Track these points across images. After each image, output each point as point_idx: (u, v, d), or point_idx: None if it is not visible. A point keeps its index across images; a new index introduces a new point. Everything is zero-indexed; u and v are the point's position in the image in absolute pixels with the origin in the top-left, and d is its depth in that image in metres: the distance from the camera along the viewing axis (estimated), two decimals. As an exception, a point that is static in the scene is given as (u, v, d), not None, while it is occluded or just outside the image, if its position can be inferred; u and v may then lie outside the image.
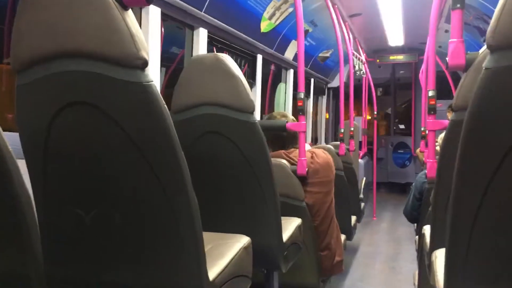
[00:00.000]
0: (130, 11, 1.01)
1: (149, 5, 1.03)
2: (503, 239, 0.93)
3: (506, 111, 0.84)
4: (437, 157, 2.35)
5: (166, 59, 3.54)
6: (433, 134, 2.31)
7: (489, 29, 0.83)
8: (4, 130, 1.03)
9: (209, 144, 1.67)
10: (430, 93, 2.34)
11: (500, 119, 0.85)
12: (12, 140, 1.14)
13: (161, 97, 1.02)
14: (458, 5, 1.61)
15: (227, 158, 1.66)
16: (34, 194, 1.15)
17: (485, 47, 1.32)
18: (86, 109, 1.04)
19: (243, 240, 1.43)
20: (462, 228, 0.95)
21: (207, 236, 1.21)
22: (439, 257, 1.27)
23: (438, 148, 2.91)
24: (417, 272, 2.70)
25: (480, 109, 0.86)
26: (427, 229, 1.75)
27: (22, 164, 1.15)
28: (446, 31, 4.89)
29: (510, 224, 0.91)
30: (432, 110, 2.30)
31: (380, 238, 5.27)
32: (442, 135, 3.05)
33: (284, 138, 2.41)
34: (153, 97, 1.01)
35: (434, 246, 1.49)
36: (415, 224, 3.52)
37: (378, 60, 7.10)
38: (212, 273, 1.20)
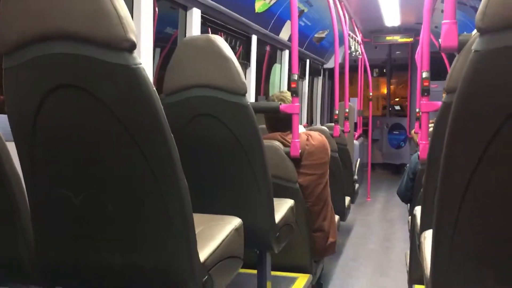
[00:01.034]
0: (118, -7, 0.99)
1: None
2: (489, 220, 0.94)
3: (494, 93, 0.84)
4: (430, 138, 2.37)
5: (161, 40, 3.51)
6: (426, 115, 2.32)
7: (479, 11, 0.82)
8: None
9: (201, 127, 1.66)
10: (424, 74, 2.33)
11: (488, 101, 0.85)
12: (2, 122, 1.14)
13: (150, 80, 1.02)
14: None
15: (219, 140, 1.66)
16: (24, 176, 1.16)
17: (477, 29, 1.32)
18: (74, 92, 1.03)
19: (234, 222, 1.44)
20: (449, 209, 0.96)
21: (198, 218, 1.22)
22: (428, 237, 1.29)
23: (431, 129, 2.92)
24: (408, 252, 2.73)
25: (469, 91, 0.86)
26: (418, 210, 1.77)
27: (11, 146, 1.15)
28: (442, 11, 4.85)
29: (496, 205, 0.92)
30: (425, 92, 2.29)
31: (374, 218, 5.31)
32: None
33: (280, 120, 2.40)
34: (142, 79, 1.00)
35: (424, 226, 1.50)
36: (408, 205, 3.55)
37: (374, 41, 7.06)
38: (203, 254, 1.21)
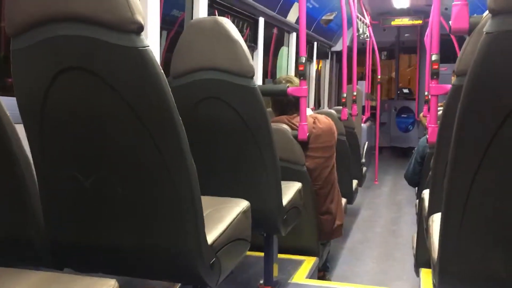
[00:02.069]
0: (124, -25, 0.98)
1: None
2: (498, 204, 0.94)
3: (506, 75, 0.83)
4: (439, 122, 2.35)
5: (168, 22, 3.48)
6: (435, 98, 2.29)
7: None
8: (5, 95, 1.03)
9: (209, 109, 1.66)
10: (434, 57, 2.30)
11: (500, 83, 0.84)
12: (10, 105, 1.14)
13: (157, 62, 1.01)
14: None
15: (227, 123, 1.66)
16: (33, 158, 1.16)
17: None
18: (83, 74, 1.03)
19: (242, 204, 1.45)
20: (459, 192, 0.96)
21: (206, 200, 1.22)
22: (436, 221, 1.29)
23: (440, 113, 2.90)
24: (415, 235, 2.74)
25: (480, 73, 0.85)
26: (426, 194, 1.76)
27: (20, 129, 1.16)
28: (453, -8, 4.77)
29: (505, 189, 0.92)
30: (435, 75, 2.27)
31: (381, 202, 5.32)
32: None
33: (286, 103, 2.40)
34: (149, 62, 1.00)
35: (433, 210, 1.50)
36: (416, 188, 3.54)
37: (382, 23, 6.97)
38: (211, 236, 1.22)
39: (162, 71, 1.02)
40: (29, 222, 1.20)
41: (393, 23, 7.02)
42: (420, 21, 6.83)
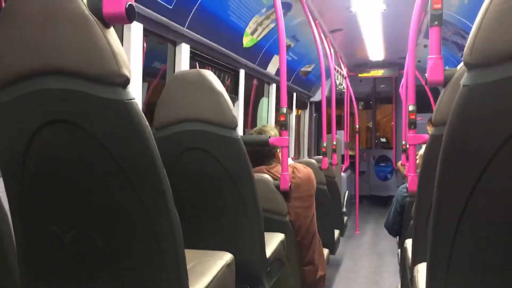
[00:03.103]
0: (112, 29, 1.00)
1: (131, 23, 1.03)
2: (483, 254, 0.94)
3: (484, 126, 0.85)
4: (418, 170, 2.38)
5: (148, 74, 3.53)
6: (413, 148, 2.34)
7: (466, 46, 0.84)
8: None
9: (192, 160, 1.66)
10: (411, 108, 2.37)
11: (478, 134, 0.86)
12: (-10, 158, 1.12)
13: (143, 115, 1.02)
14: (436, 22, 1.64)
15: (210, 174, 1.66)
16: (11, 212, 1.13)
17: (462, 63, 1.35)
18: (66, 127, 1.02)
19: (226, 257, 1.42)
20: (443, 242, 0.96)
21: (189, 253, 1.20)
22: (421, 271, 1.28)
23: (418, 161, 2.95)
24: (399, 286, 2.71)
25: (458, 125, 0.87)
26: (408, 243, 1.76)
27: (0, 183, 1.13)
28: (425, 46, 4.99)
29: (489, 238, 0.93)
30: (412, 125, 2.33)
31: (363, 251, 5.28)
32: (422, 150, 3.08)
33: (264, 153, 2.41)
34: (135, 114, 1.00)
35: (416, 260, 1.50)
36: (398, 237, 3.54)
37: (359, 75, 7.18)
38: (195, 291, 1.19)
39: (147, 123, 1.03)
40: (5, 278, 1.15)
41: (369, 74, 7.24)
42: (394, 73, 7.06)
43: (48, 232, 1.12)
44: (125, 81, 0.99)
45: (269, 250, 1.79)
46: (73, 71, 0.99)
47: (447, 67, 1.50)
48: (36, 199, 1.12)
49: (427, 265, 1.02)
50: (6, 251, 1.14)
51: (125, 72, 0.99)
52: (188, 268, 1.15)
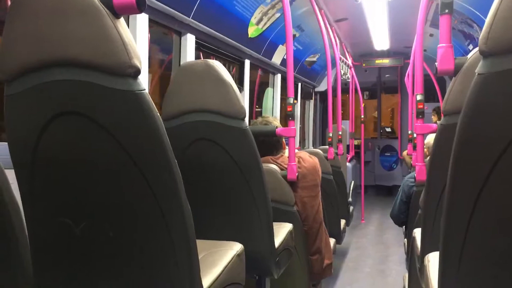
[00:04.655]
0: (122, 19, 1.00)
1: (141, 13, 1.02)
2: (497, 242, 0.94)
3: (498, 115, 0.85)
4: (426, 160, 2.38)
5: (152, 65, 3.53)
6: (421, 137, 2.33)
7: (482, 34, 0.84)
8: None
9: (200, 151, 1.66)
10: (418, 97, 2.36)
11: (493, 122, 0.85)
12: (1, 150, 1.12)
13: (154, 106, 1.01)
14: (447, 10, 1.62)
15: (219, 165, 1.66)
16: (23, 204, 1.13)
17: (473, 51, 1.34)
18: (77, 119, 1.02)
19: (236, 247, 1.42)
20: (456, 232, 0.96)
21: (199, 244, 1.20)
22: (432, 260, 1.28)
23: (425, 151, 2.94)
24: (407, 275, 2.71)
25: (473, 114, 0.86)
26: (417, 232, 1.76)
27: (11, 174, 1.13)
28: (431, 35, 4.95)
29: (503, 227, 0.92)
30: (420, 114, 2.32)
31: (369, 241, 5.29)
32: (428, 139, 3.07)
33: (270, 144, 2.41)
34: (146, 105, 1.00)
35: (425, 249, 1.49)
36: (404, 227, 3.54)
37: (364, 64, 7.15)
38: (206, 281, 1.19)
39: (158, 114, 1.02)
40: (18, 271, 1.16)
41: (374, 64, 7.20)
42: (400, 62, 7.03)
43: (59, 223, 1.12)
44: (136, 72, 0.99)
45: (277, 240, 1.80)
46: (83, 62, 0.98)
47: (458, 57, 1.48)
48: (47, 190, 1.12)
49: (439, 254, 1.01)
50: (18, 242, 1.15)
51: (136, 62, 0.98)
52: (199, 258, 1.15)
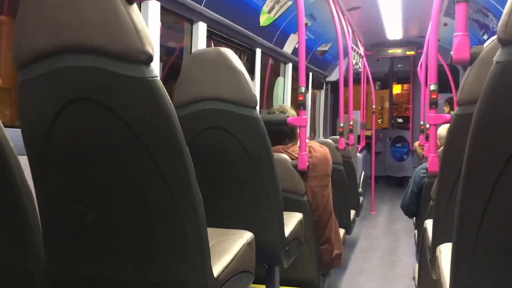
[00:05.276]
0: (135, 5, 0.99)
1: None
2: (511, 234, 0.93)
3: None
4: (438, 151, 2.35)
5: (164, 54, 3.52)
6: (434, 128, 2.31)
7: (500, 22, 0.82)
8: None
9: (211, 140, 1.65)
10: (432, 87, 2.33)
11: (510, 112, 0.84)
12: (14, 136, 1.12)
13: (166, 93, 1.01)
14: None
15: (229, 153, 1.65)
16: (36, 190, 1.14)
17: (490, 40, 1.31)
18: (90, 105, 1.02)
19: (247, 236, 1.43)
20: (470, 223, 0.95)
21: (210, 232, 1.20)
22: (444, 251, 1.27)
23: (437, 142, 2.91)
24: (417, 266, 2.71)
25: (490, 103, 0.85)
26: (428, 223, 1.75)
27: (23, 160, 1.14)
28: (445, 24, 4.88)
29: None
30: (433, 104, 2.29)
31: (378, 232, 5.28)
32: (440, 130, 3.04)
33: (281, 133, 2.40)
34: (158, 92, 1.00)
35: (437, 240, 1.48)
36: (414, 218, 3.53)
37: (376, 54, 7.08)
38: (217, 269, 1.19)
39: (170, 101, 1.02)
40: (30, 255, 1.17)
41: (386, 54, 7.13)
42: (413, 52, 6.95)
43: (72, 209, 1.13)
44: (148, 58, 0.98)
45: (287, 230, 1.80)
46: (96, 48, 0.98)
47: (474, 46, 1.46)
48: (60, 176, 1.13)
49: (452, 245, 1.01)
50: (31, 228, 1.16)
51: (149, 49, 0.98)
52: (209, 246, 1.16)
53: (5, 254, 1.17)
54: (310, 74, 5.99)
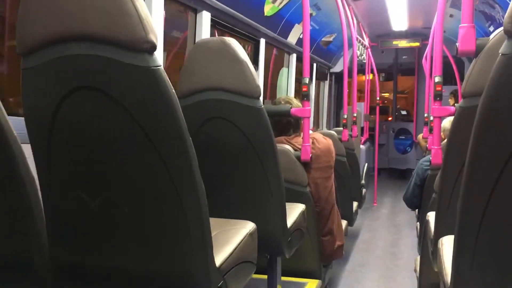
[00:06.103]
0: (138, -6, 0.99)
1: None
2: None
3: None
4: (442, 143, 2.35)
5: (168, 43, 3.50)
6: (438, 120, 2.30)
7: (507, 14, 0.81)
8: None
9: (215, 130, 1.65)
10: (437, 79, 2.31)
11: None
12: (17, 124, 1.12)
13: (170, 82, 1.01)
14: None
15: (233, 143, 1.65)
16: (39, 178, 1.14)
17: (496, 32, 1.30)
18: (93, 93, 1.02)
19: (249, 226, 1.43)
20: (472, 215, 0.95)
21: (212, 222, 1.20)
22: (446, 244, 1.27)
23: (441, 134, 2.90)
24: (418, 258, 2.71)
25: (496, 95, 0.84)
26: (431, 216, 1.75)
27: (27, 149, 1.14)
28: (451, 15, 4.84)
29: None
30: (438, 96, 2.28)
31: (381, 224, 5.29)
32: (444, 122, 3.03)
33: (286, 123, 2.39)
34: (161, 81, 0.99)
35: (439, 232, 1.48)
36: (416, 210, 3.52)
37: (380, 45, 7.04)
38: (219, 259, 1.20)
39: (173, 91, 1.02)
40: (33, 243, 1.17)
41: (391, 45, 7.09)
42: (418, 43, 6.90)
43: (75, 198, 1.13)
44: (152, 47, 0.98)
45: (290, 221, 1.80)
46: (99, 36, 0.98)
47: (480, 38, 1.44)
48: (63, 165, 1.13)
49: (454, 237, 1.00)
50: (34, 216, 1.17)
51: (152, 38, 0.97)
52: (212, 236, 1.16)
53: (8, 242, 1.18)
54: (314, 65, 5.96)
